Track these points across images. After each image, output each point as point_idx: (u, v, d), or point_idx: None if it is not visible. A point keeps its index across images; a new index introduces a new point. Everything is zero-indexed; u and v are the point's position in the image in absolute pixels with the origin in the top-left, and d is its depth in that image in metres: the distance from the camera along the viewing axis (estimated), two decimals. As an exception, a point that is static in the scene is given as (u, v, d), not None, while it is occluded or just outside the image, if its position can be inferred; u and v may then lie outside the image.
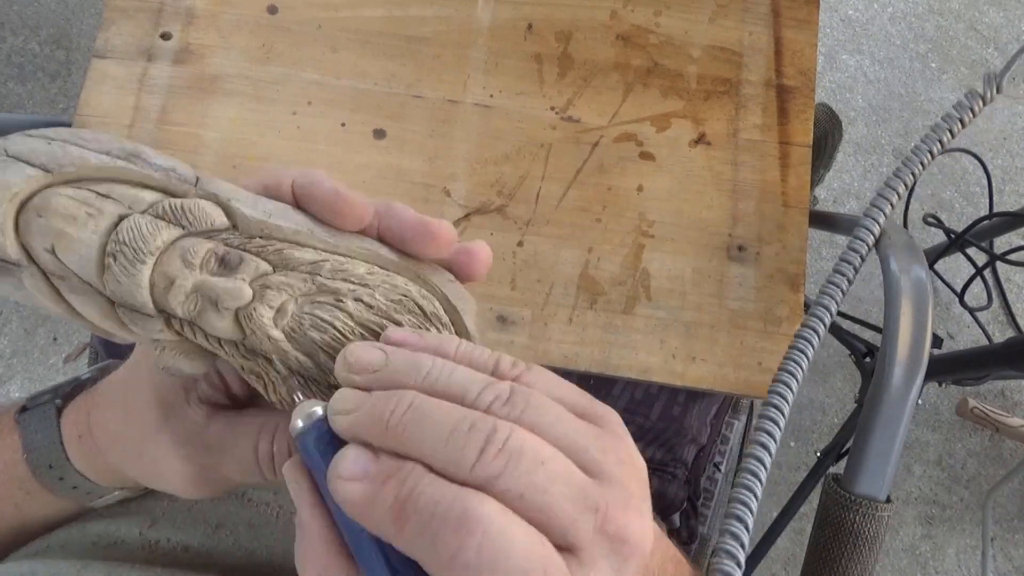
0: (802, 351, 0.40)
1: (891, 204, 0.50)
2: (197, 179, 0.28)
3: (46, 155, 0.26)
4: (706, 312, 0.58)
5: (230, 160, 0.60)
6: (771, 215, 0.61)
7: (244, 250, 0.27)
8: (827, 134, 1.04)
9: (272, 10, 0.64)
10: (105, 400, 0.34)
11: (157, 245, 0.26)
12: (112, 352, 0.68)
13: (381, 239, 0.30)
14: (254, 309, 0.27)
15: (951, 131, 0.50)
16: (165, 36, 0.63)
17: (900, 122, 1.46)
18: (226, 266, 0.27)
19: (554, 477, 0.22)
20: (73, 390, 0.37)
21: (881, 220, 0.50)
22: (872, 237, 0.50)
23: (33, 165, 0.26)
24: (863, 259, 0.48)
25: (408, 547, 0.21)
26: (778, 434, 0.36)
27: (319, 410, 0.25)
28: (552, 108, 0.63)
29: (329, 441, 0.24)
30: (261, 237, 0.28)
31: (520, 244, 0.60)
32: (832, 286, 0.47)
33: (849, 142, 1.44)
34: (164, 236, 0.26)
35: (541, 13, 0.65)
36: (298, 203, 0.29)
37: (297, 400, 0.27)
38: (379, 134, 0.62)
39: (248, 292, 0.27)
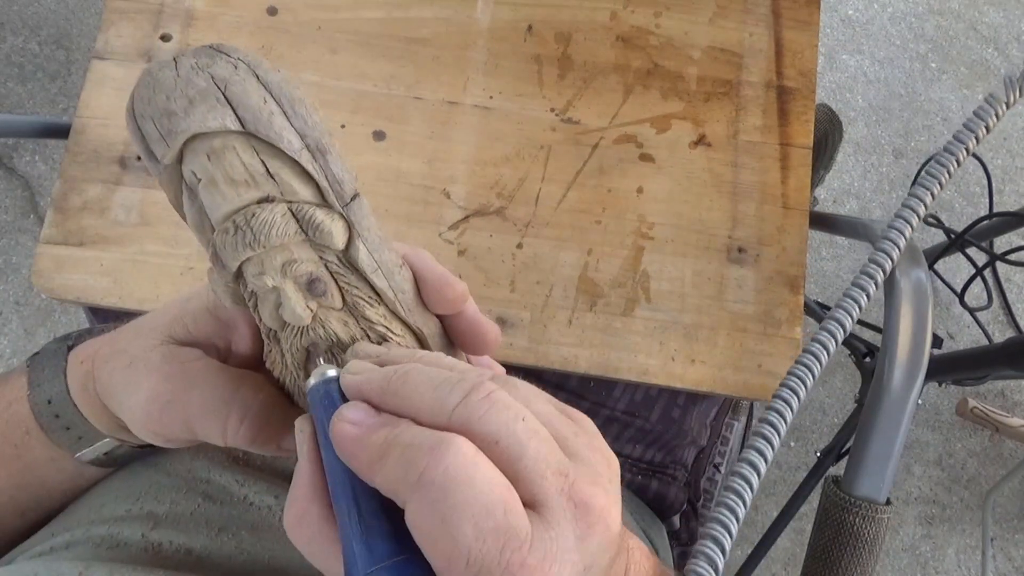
0: (808, 367, 0.40)
1: (911, 226, 0.48)
2: (354, 197, 0.29)
3: (253, 113, 0.27)
4: (706, 314, 0.58)
5: (230, 162, 0.60)
6: (771, 217, 0.61)
7: (335, 277, 0.30)
8: (827, 135, 1.04)
9: (272, 11, 0.64)
10: (123, 326, 0.36)
11: (272, 244, 0.28)
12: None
13: None
14: (305, 330, 0.30)
15: (976, 136, 0.49)
16: (165, 38, 0.63)
17: (900, 122, 1.46)
18: (310, 289, 0.29)
19: (532, 433, 0.23)
20: (81, 336, 0.38)
21: (907, 233, 0.48)
22: (897, 251, 0.48)
23: (237, 115, 0.27)
24: (885, 274, 0.47)
25: (384, 480, 0.23)
26: (770, 453, 0.35)
27: (332, 372, 0.28)
28: (552, 110, 0.63)
29: (336, 399, 0.27)
30: (356, 274, 0.30)
31: (519, 246, 0.60)
32: (849, 300, 0.46)
33: (849, 142, 1.44)
34: (283, 241, 0.28)
35: (541, 14, 0.65)
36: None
37: (317, 364, 0.29)
38: (379, 136, 0.62)
39: (307, 320, 0.29)
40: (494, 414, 0.23)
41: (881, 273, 0.46)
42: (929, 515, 1.30)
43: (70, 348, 0.37)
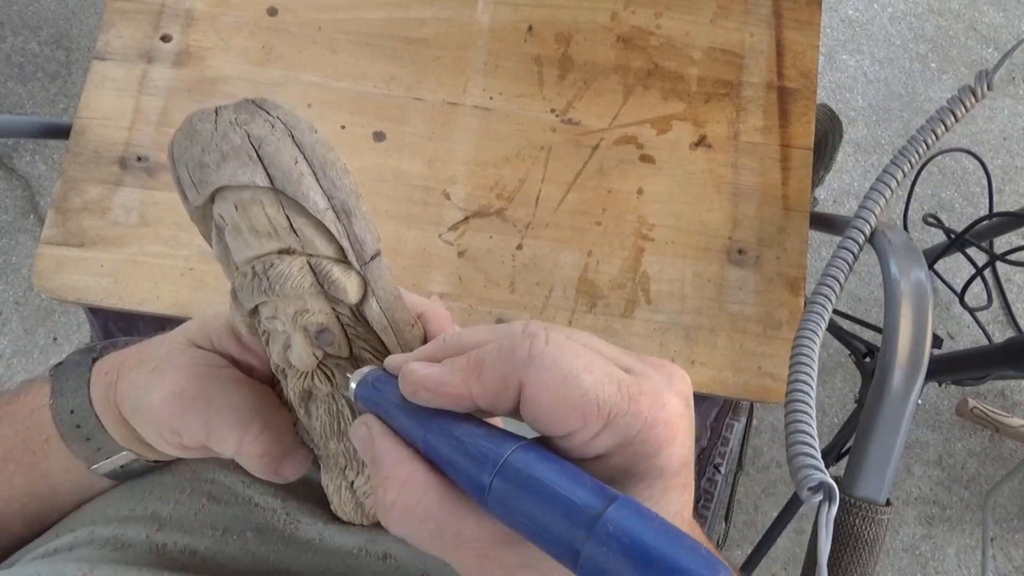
0: (813, 330, 0.41)
1: (885, 198, 0.51)
2: (374, 256, 0.30)
3: (283, 173, 0.28)
4: (705, 316, 0.58)
5: (230, 162, 0.60)
6: (771, 218, 0.61)
7: (345, 328, 0.31)
8: (827, 135, 1.04)
9: (272, 12, 0.64)
10: (150, 339, 0.37)
11: (286, 293, 0.29)
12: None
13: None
14: (308, 377, 0.31)
15: (944, 123, 0.51)
16: (165, 38, 0.63)
17: (900, 122, 1.46)
18: (318, 338, 0.30)
19: (592, 337, 0.26)
20: (106, 348, 0.39)
21: (877, 211, 0.50)
22: (868, 226, 0.50)
23: (267, 173, 0.28)
24: (855, 256, 0.49)
25: (485, 384, 0.24)
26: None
27: (366, 369, 0.29)
28: (552, 110, 0.63)
29: (389, 379, 0.27)
30: (366, 328, 0.31)
31: (519, 247, 0.60)
32: (834, 268, 0.47)
33: (849, 142, 1.44)
34: (297, 292, 0.29)
35: (541, 15, 0.65)
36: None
37: (347, 376, 0.30)
38: (379, 136, 0.62)
39: (312, 367, 0.31)
40: (556, 331, 0.25)
41: (852, 255, 0.48)
42: (929, 515, 1.30)
43: (95, 360, 0.38)
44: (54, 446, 0.37)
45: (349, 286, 0.29)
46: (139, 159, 0.60)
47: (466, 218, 0.60)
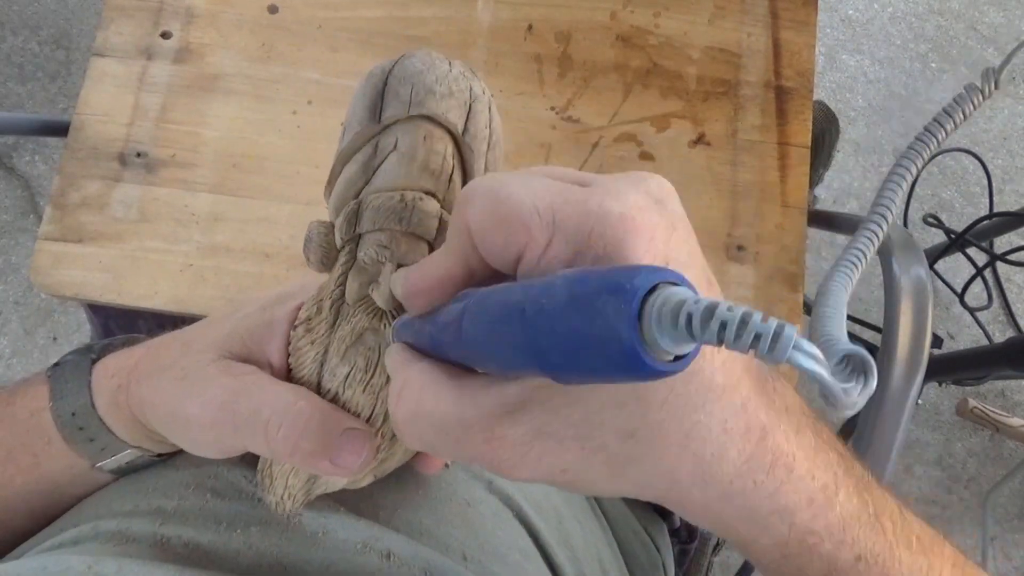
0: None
1: (907, 180, 0.51)
2: None
3: (477, 129, 0.32)
4: (705, 312, 0.58)
5: (230, 159, 0.60)
6: (770, 215, 0.61)
7: None
8: (824, 132, 1.04)
9: (272, 9, 0.64)
10: (162, 340, 0.36)
11: (415, 231, 0.31)
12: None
13: None
14: (376, 317, 0.32)
15: (954, 120, 0.51)
16: (165, 35, 0.63)
17: (900, 122, 1.46)
18: None
19: (555, 168, 0.25)
20: (104, 349, 0.38)
21: (893, 210, 0.51)
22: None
23: (466, 124, 0.32)
24: (880, 234, 0.49)
25: (451, 252, 0.25)
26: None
27: (406, 316, 0.31)
28: (552, 108, 0.63)
29: (405, 323, 0.30)
30: None
31: (519, 244, 0.60)
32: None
33: (849, 142, 1.44)
34: (422, 232, 0.31)
35: (541, 14, 0.65)
36: None
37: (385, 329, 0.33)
38: (378, 134, 0.62)
39: (388, 308, 0.32)
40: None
41: (881, 231, 0.48)
42: (929, 515, 1.30)
43: (94, 360, 0.37)
44: (56, 447, 0.37)
45: None
46: (138, 155, 0.60)
47: (465, 215, 0.60)
